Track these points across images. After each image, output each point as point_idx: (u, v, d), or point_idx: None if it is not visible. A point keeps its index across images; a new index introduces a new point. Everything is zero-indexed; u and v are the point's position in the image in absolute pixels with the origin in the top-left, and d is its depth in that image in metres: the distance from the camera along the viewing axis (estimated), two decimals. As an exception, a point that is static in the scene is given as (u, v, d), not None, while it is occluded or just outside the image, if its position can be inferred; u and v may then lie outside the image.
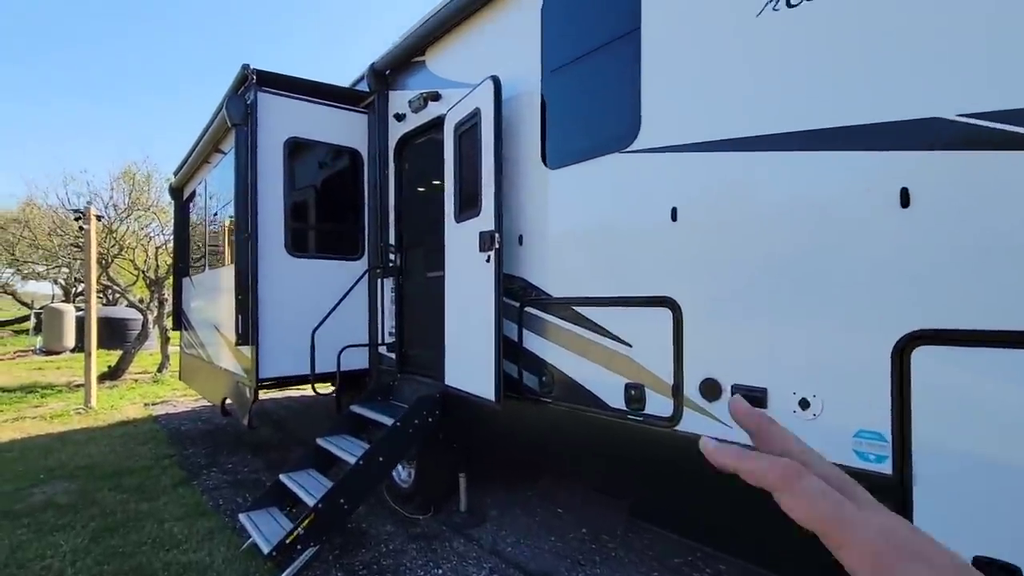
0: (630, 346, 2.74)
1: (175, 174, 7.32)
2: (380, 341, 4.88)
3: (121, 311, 17.09)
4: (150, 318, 11.47)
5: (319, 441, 4.19)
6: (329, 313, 4.48)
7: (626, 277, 2.77)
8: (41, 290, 24.61)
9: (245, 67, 4.40)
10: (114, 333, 16.62)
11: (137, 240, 12.23)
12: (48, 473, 5.43)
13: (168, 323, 10.24)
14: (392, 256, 4.82)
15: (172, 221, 7.95)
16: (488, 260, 3.36)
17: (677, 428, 2.53)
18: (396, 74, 4.83)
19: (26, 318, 20.48)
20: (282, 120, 4.69)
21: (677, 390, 2.52)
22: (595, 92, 3.02)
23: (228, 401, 5.12)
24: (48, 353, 16.23)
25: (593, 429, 2.94)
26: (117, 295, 14.87)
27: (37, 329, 17.61)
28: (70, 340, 15.93)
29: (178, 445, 6.52)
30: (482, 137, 3.42)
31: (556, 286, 3.20)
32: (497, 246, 3.29)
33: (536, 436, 3.39)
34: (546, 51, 3.28)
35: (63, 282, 19.03)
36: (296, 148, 4.81)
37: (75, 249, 12.08)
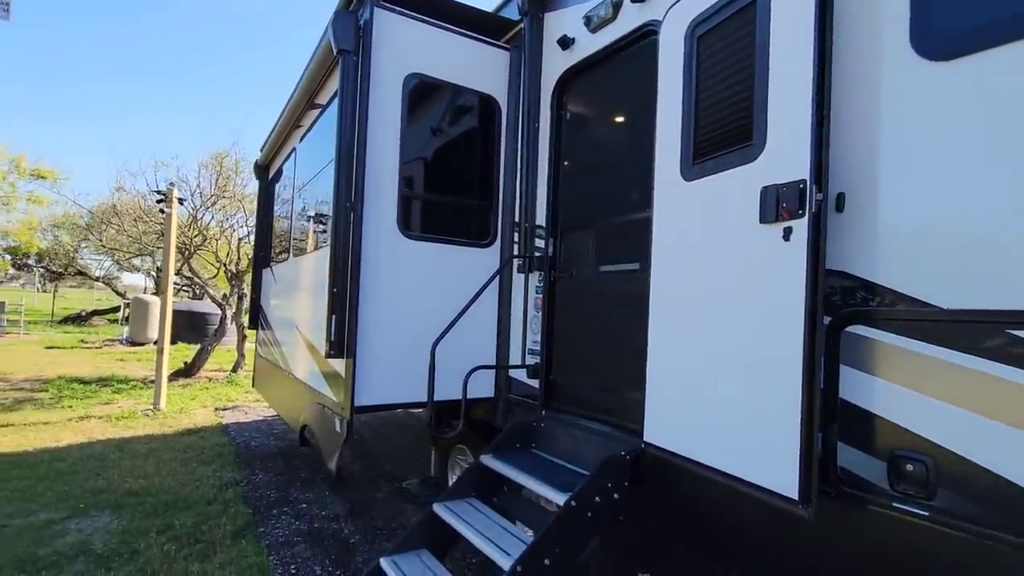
0: None
1: (261, 149, 6.34)
2: (520, 362, 3.45)
3: (204, 305, 16.93)
4: (228, 313, 10.80)
5: (437, 509, 2.80)
6: (457, 318, 3.11)
7: None
8: (137, 282, 25.34)
9: (360, -30, 3.15)
10: (195, 327, 16.47)
11: (221, 231, 11.65)
12: (94, 497, 4.41)
13: (245, 319, 9.43)
14: (542, 243, 3.40)
15: (256, 207, 7.00)
16: (787, 237, 1.83)
17: None
18: (558, -12, 3.44)
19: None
20: (404, 50, 3.40)
21: None
22: None
23: (309, 429, 3.84)
24: (133, 344, 16.27)
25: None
26: (201, 289, 14.53)
27: (126, 320, 17.85)
28: (155, 332, 15.86)
29: (246, 468, 5.40)
30: (778, 14, 1.92)
31: (944, 289, 1.63)
32: (814, 208, 1.76)
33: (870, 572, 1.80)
34: None
35: (155, 274, 19.34)
36: (419, 90, 3.51)
37: (158, 237, 11.68)
